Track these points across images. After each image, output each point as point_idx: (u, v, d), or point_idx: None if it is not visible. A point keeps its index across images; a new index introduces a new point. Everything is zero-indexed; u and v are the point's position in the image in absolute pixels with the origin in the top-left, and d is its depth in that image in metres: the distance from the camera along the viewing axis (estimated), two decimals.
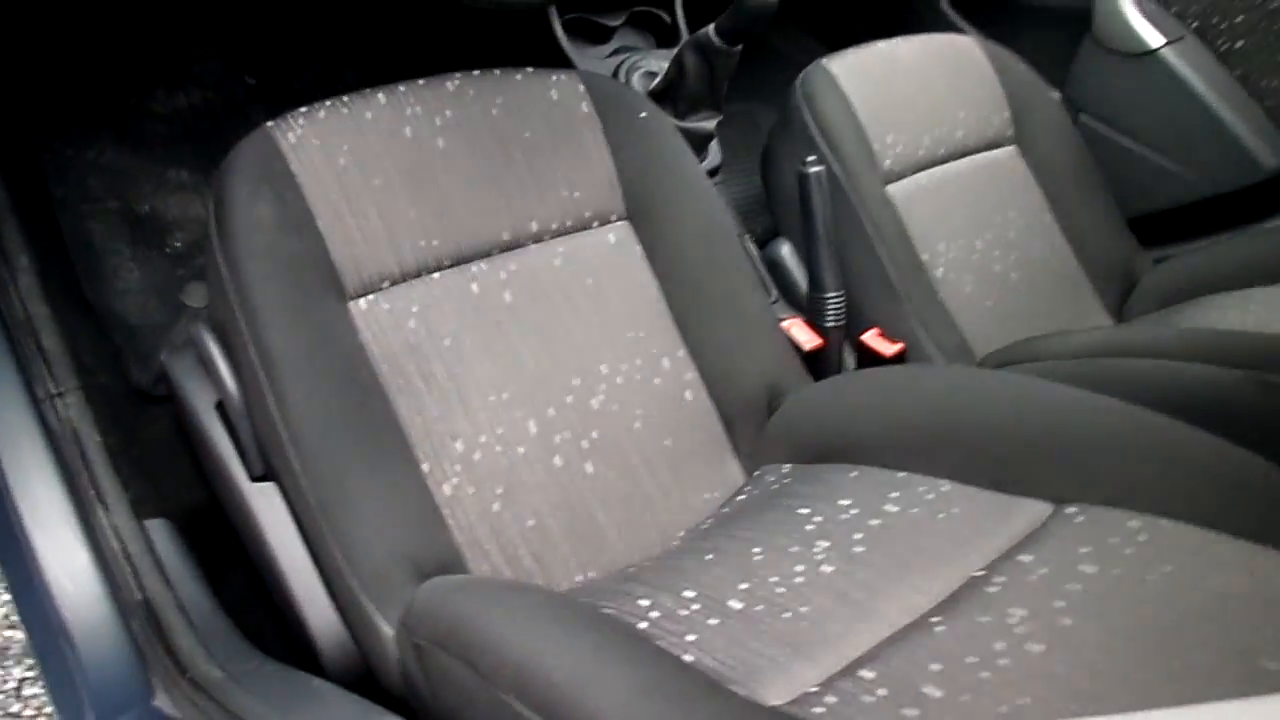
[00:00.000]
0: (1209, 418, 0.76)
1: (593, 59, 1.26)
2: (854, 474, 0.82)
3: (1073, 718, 0.52)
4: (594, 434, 0.87)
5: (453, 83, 0.93)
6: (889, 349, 1.13)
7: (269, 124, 0.85)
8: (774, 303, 1.20)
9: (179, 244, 1.25)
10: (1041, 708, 0.54)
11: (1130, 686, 0.55)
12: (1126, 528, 0.68)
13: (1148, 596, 0.61)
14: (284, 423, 0.76)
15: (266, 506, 0.81)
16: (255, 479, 0.83)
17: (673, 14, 1.29)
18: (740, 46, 1.07)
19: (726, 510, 0.87)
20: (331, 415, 0.76)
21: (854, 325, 1.16)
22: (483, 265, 0.89)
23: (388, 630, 0.71)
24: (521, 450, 0.84)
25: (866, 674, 0.58)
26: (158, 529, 0.90)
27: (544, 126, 0.95)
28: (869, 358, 1.14)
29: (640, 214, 0.96)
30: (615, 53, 1.26)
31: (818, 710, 0.56)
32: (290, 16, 1.42)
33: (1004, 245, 1.29)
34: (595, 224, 0.95)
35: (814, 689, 0.59)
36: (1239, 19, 1.34)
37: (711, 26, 1.06)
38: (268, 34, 1.42)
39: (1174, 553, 0.65)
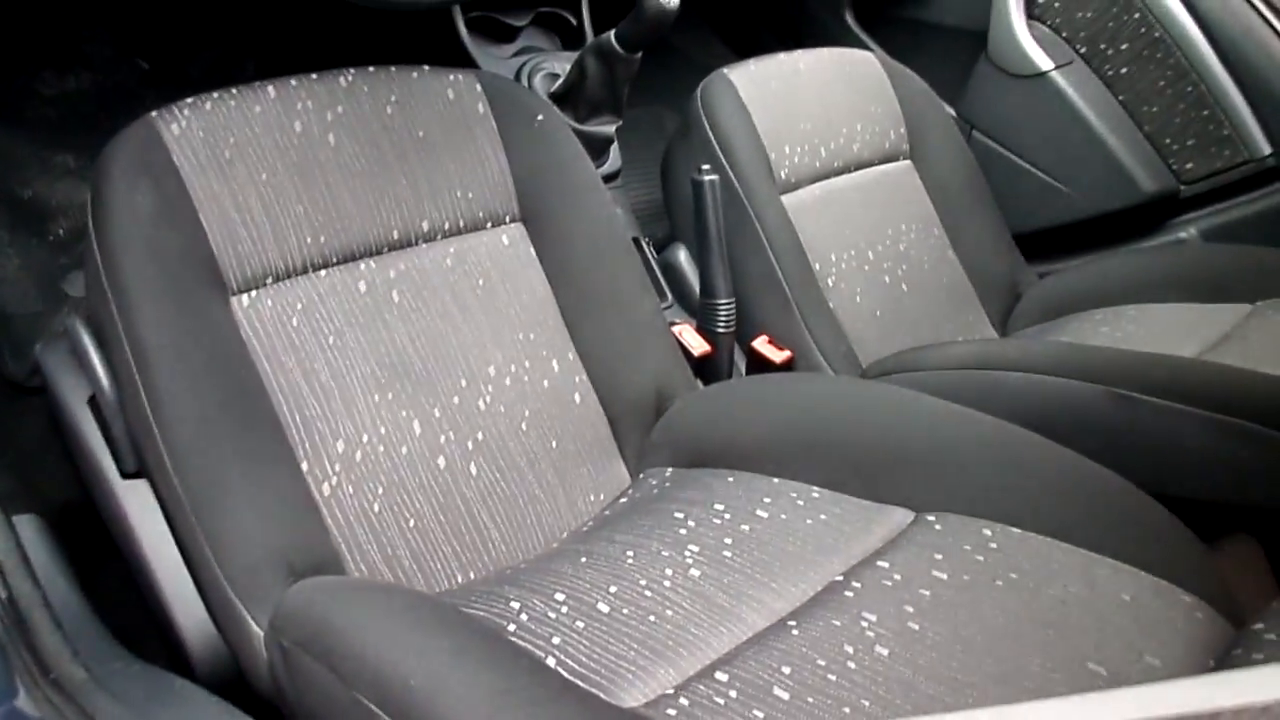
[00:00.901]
0: (1067, 431, 0.80)
1: (496, 58, 1.26)
2: (731, 479, 0.84)
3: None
4: (479, 435, 0.88)
5: (346, 78, 0.92)
6: (778, 356, 1.15)
7: (152, 114, 0.83)
8: (668, 307, 1.22)
9: (62, 232, 1.21)
10: (881, 709, 0.56)
11: (966, 689, 0.58)
12: (980, 535, 0.71)
13: (992, 602, 0.65)
14: (156, 418, 0.75)
15: (137, 503, 0.80)
16: (127, 475, 0.82)
17: (579, 17, 1.29)
18: (640, 53, 1.08)
19: (608, 513, 0.89)
20: (206, 411, 0.75)
21: (745, 332, 1.18)
22: (371, 264, 0.89)
23: (258, 631, 0.71)
24: (404, 450, 0.84)
25: (721, 676, 0.60)
26: (26, 525, 0.87)
27: (438, 125, 0.95)
28: (759, 364, 1.17)
29: (534, 216, 0.97)
30: (519, 53, 1.26)
31: (670, 712, 0.58)
32: (189, 11, 1.39)
33: (895, 257, 1.33)
34: (488, 225, 0.96)
35: (669, 691, 0.60)
36: (1124, 46, 1.41)
37: (612, 32, 1.07)
38: (164, 16, 1.39)
39: (1020, 560, 0.68)
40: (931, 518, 0.75)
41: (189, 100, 0.84)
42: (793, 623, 0.65)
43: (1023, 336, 1.29)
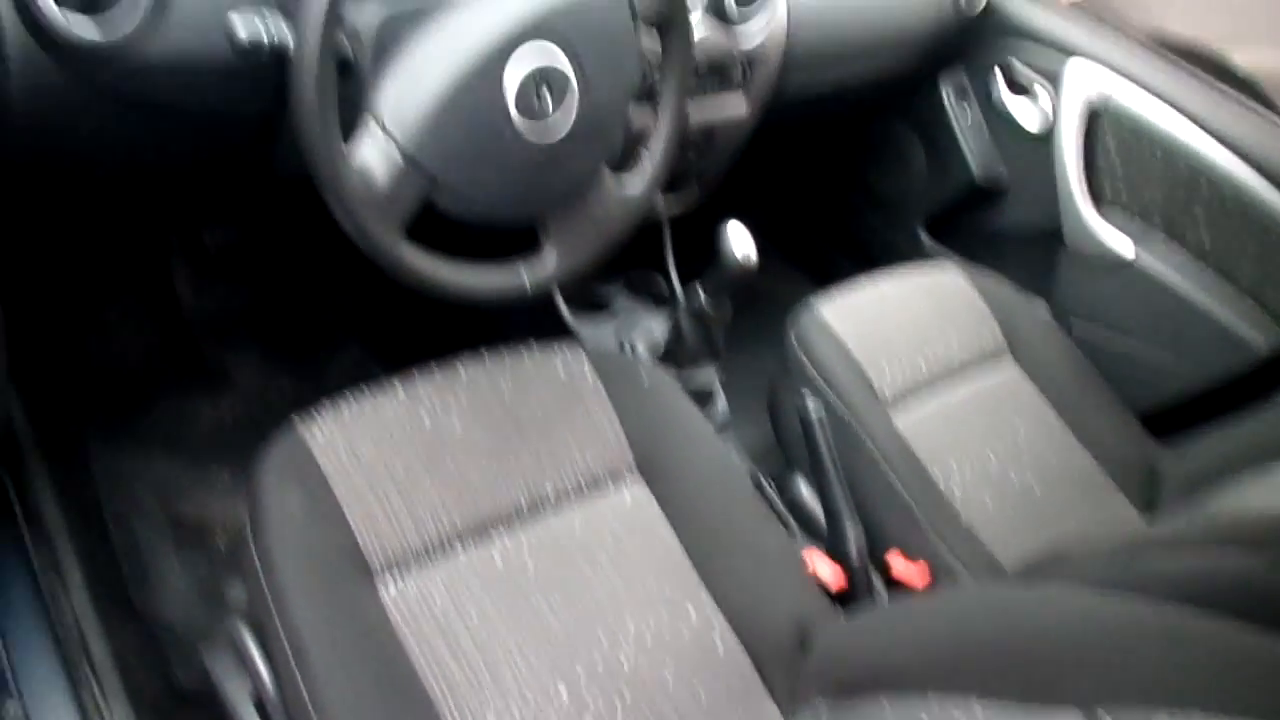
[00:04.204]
0: (1230, 604, 0.76)
1: (596, 325, 1.36)
2: (888, 707, 0.81)
3: None
4: (626, 694, 0.87)
5: (464, 368, 1.00)
6: (915, 573, 1.13)
7: (297, 422, 0.92)
8: (796, 540, 1.22)
9: (221, 544, 1.31)
10: None
11: None
12: None
13: None
14: (315, 707, 0.77)
15: None
16: None
17: (667, 275, 1.39)
18: (729, 302, 1.15)
19: None
20: (361, 697, 0.78)
21: (878, 552, 1.16)
22: (504, 537, 0.93)
23: None
24: (554, 717, 0.84)
25: None
26: None
27: (553, 400, 1.01)
28: (897, 583, 1.14)
29: (652, 471, 1.01)
30: (616, 318, 1.35)
31: None
32: (319, 329, 1.55)
33: (1017, 456, 1.31)
34: (610, 485, 1.00)
35: None
36: (1198, 212, 1.42)
37: (699, 287, 1.14)
38: (302, 340, 1.55)
39: None
40: (1103, 715, 0.70)
41: (327, 406, 0.93)
42: None
43: (1170, 516, 1.23)
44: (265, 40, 0.79)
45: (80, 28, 0.81)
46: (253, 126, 0.99)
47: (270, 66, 0.84)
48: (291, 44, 0.77)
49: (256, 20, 0.80)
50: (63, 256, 1.42)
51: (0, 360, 0.86)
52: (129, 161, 1.00)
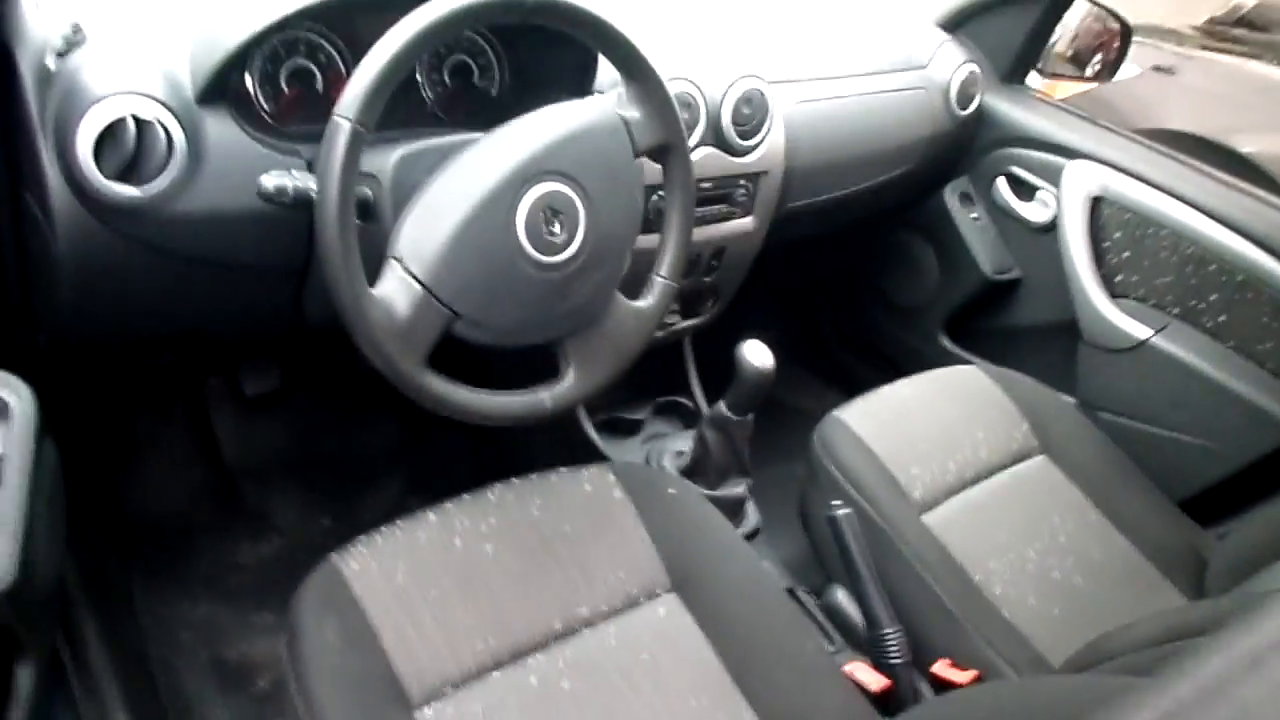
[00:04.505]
0: None
1: (627, 450, 1.38)
2: None
3: None
4: None
5: (494, 492, 1.03)
6: (963, 678, 1.10)
7: (333, 555, 0.94)
8: (837, 651, 1.20)
9: (264, 684, 1.31)
10: None
11: None
12: None
13: None
14: None
15: None
16: None
17: (693, 398, 1.42)
18: (752, 414, 1.17)
19: None
20: None
21: (923, 659, 1.14)
22: (539, 657, 0.93)
23: None
24: None
25: None
26: None
27: (582, 518, 1.03)
28: (944, 690, 1.12)
29: (685, 584, 1.01)
30: (645, 440, 1.38)
31: None
32: (357, 468, 1.59)
33: (1058, 552, 1.29)
34: (643, 600, 1.00)
35: None
36: (1213, 297, 1.43)
37: (722, 401, 1.17)
38: (340, 479, 1.59)
39: None
40: None
41: (363, 538, 0.96)
42: None
43: (1215, 600, 1.20)
44: (290, 187, 0.86)
45: (119, 186, 0.88)
46: (283, 277, 1.05)
47: (297, 219, 0.91)
48: (314, 190, 0.83)
49: (283, 175, 0.87)
50: (105, 405, 1.48)
51: (59, 530, 0.89)
52: (167, 311, 1.06)
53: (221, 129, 0.94)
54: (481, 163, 0.89)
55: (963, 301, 1.79)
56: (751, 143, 1.30)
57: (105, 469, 1.48)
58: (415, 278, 0.86)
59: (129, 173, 0.88)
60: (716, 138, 1.27)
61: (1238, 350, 1.42)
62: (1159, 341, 1.46)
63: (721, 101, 1.25)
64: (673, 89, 1.00)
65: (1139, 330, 1.48)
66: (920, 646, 1.14)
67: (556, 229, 0.91)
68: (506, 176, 0.89)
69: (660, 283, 1.04)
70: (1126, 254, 1.52)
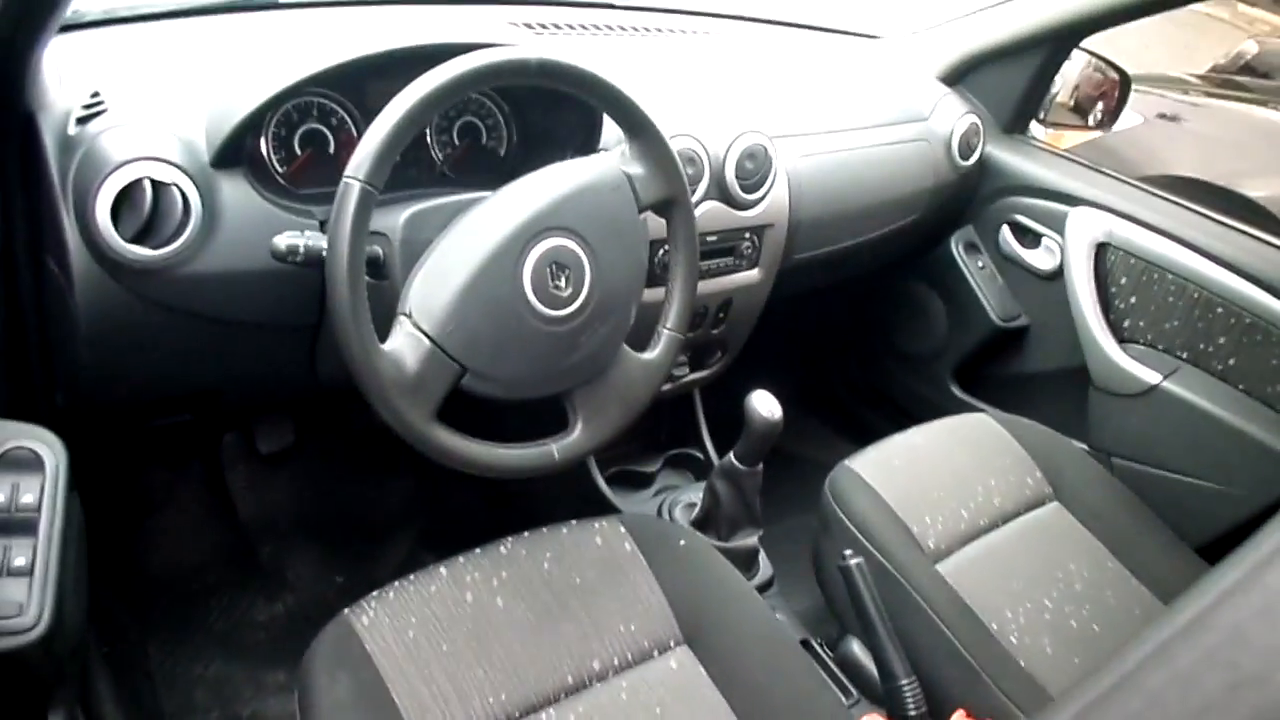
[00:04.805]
0: None
1: (638, 502, 1.38)
2: None
3: None
4: None
5: (505, 546, 1.03)
6: None
7: (346, 610, 0.95)
8: (854, 703, 1.19)
9: None
10: None
11: None
12: None
13: None
14: None
15: None
16: None
17: (704, 450, 1.42)
18: (761, 465, 1.17)
19: None
20: None
21: (940, 710, 1.13)
22: (551, 712, 0.93)
23: None
24: None
25: None
26: None
27: (593, 571, 1.03)
28: None
29: (697, 637, 1.01)
30: (658, 493, 1.38)
31: None
32: (371, 525, 1.60)
33: (1075, 599, 1.27)
34: (655, 653, 0.99)
35: None
36: (1222, 340, 1.43)
37: (731, 453, 1.17)
38: (354, 536, 1.60)
39: None
40: None
41: (375, 593, 0.96)
42: None
43: None
44: (302, 247, 0.88)
45: (136, 248, 0.90)
46: (297, 335, 1.07)
47: (310, 278, 0.93)
48: (325, 248, 0.85)
49: (296, 235, 0.89)
50: (122, 462, 1.49)
51: (84, 583, 0.90)
52: (183, 371, 1.08)
53: (236, 192, 0.96)
54: (488, 220, 0.91)
55: (972, 349, 1.79)
56: (755, 196, 1.32)
57: (121, 525, 1.49)
58: (424, 333, 0.88)
59: (146, 235, 0.90)
60: (720, 192, 1.29)
61: (1249, 393, 1.42)
62: (1169, 386, 1.46)
63: (725, 156, 1.28)
64: (676, 145, 1.03)
65: (1149, 375, 1.48)
66: (936, 697, 1.13)
67: (562, 283, 0.93)
68: (512, 233, 0.90)
69: (667, 335, 1.05)
70: (1133, 299, 1.52)
